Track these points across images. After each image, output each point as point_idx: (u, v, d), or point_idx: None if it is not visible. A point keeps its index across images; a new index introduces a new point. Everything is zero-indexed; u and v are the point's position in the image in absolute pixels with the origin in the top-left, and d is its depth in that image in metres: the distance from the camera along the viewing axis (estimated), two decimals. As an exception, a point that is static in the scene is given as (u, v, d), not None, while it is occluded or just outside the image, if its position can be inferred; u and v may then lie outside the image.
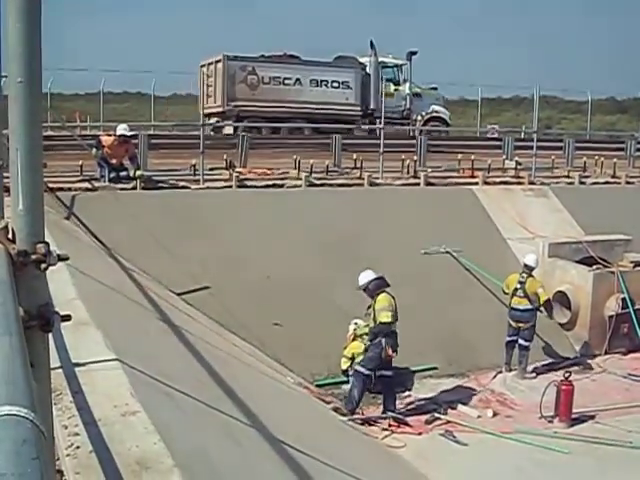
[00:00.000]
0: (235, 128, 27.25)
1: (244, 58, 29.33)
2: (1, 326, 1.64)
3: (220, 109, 28.57)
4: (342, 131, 25.25)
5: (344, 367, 12.88)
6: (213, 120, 28.88)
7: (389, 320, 12.07)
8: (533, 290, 14.73)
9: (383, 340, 12.11)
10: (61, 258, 2.42)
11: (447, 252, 17.03)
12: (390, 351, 12.13)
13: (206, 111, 25.14)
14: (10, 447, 1.14)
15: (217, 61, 28.89)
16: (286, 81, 29.63)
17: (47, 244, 2.35)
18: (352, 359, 12.64)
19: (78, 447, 4.14)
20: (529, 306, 14.67)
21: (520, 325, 14.65)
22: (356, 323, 12.99)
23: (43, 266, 2.34)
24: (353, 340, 12.95)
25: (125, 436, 4.38)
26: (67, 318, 2.50)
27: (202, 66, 29.60)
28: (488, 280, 16.41)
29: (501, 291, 15.42)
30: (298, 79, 29.77)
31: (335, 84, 30.50)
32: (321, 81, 30.24)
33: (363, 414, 12.38)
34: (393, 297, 12.33)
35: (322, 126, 27.14)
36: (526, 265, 14.99)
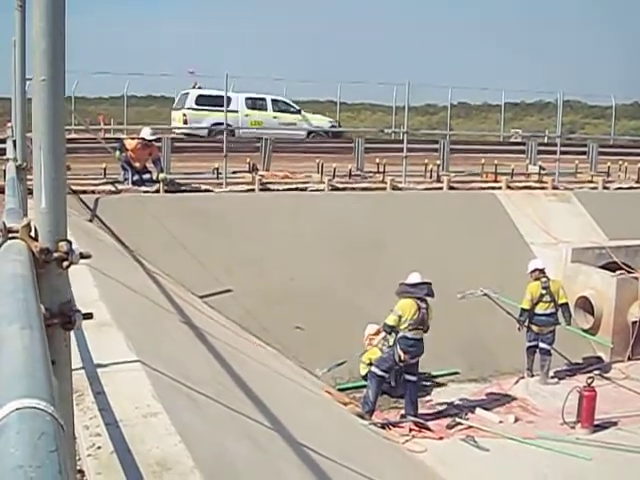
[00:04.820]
0: None
1: None
2: (22, 320, 1.63)
3: None
4: None
5: (363, 373, 12.95)
6: None
7: (390, 323, 12.32)
8: (556, 289, 14.73)
9: (397, 344, 12.28)
10: (83, 256, 2.42)
11: (485, 295, 16.44)
12: (402, 355, 12.16)
13: None
14: (28, 439, 1.13)
15: None
16: None
17: (69, 242, 2.34)
18: (370, 364, 12.67)
19: (99, 447, 4.14)
20: (554, 309, 14.61)
21: (543, 329, 14.56)
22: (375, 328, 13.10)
23: (65, 264, 2.34)
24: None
25: (146, 437, 4.38)
26: (89, 316, 2.49)
27: None
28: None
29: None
30: None
31: None
32: None
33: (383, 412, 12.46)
34: (420, 306, 12.38)
35: None
36: (540, 270, 14.84)
